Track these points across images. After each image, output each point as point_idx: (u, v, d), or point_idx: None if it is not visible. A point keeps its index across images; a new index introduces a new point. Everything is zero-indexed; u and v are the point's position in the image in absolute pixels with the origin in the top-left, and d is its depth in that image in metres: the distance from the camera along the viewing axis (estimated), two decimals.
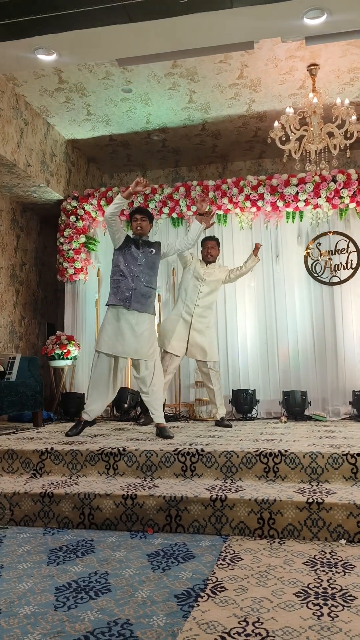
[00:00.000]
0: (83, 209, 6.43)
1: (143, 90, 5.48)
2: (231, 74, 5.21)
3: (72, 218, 6.43)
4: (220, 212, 6.32)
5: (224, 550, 2.42)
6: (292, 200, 6.03)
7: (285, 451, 3.14)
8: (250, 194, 6.09)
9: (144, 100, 5.67)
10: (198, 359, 5.01)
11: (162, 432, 3.98)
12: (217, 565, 2.23)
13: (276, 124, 4.97)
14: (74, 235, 6.43)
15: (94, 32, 3.84)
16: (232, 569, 2.19)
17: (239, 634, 1.66)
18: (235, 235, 6.35)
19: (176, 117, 6.04)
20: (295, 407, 5.58)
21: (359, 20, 3.74)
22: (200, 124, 6.20)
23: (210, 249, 5.11)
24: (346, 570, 2.16)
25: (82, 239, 6.41)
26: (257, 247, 5.15)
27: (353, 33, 4.06)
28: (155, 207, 6.34)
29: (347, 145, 4.96)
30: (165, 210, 6.32)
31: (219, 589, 1.99)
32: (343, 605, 1.85)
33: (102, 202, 6.42)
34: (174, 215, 6.37)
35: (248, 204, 6.15)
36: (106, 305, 4.27)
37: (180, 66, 5.03)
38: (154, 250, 4.30)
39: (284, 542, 2.53)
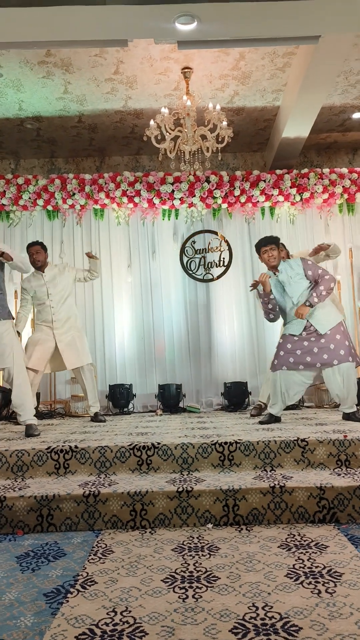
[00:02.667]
0: None
1: (15, 75, 5.25)
2: (107, 69, 5.19)
3: None
4: (97, 207, 6.29)
5: (96, 545, 2.45)
6: (168, 198, 6.18)
7: (158, 443, 3.23)
8: (127, 189, 6.14)
9: (16, 86, 5.45)
10: (75, 367, 4.91)
11: (27, 431, 3.98)
12: (88, 560, 2.25)
13: (152, 122, 5.06)
14: None
15: None
16: (103, 563, 2.23)
17: (107, 624, 1.71)
18: (112, 230, 6.36)
19: (51, 107, 5.88)
20: (170, 399, 5.75)
21: (227, 30, 3.94)
22: (76, 116, 6.10)
23: (35, 254, 4.90)
24: (211, 553, 2.30)
25: None
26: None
27: (222, 42, 4.26)
28: (30, 198, 6.13)
29: (219, 148, 5.19)
30: (40, 202, 6.14)
31: (89, 583, 2.02)
32: (206, 586, 1.97)
33: None
34: (49, 207, 6.21)
35: (125, 199, 6.19)
36: None
37: (54, 55, 4.90)
38: None
39: (155, 531, 2.62)
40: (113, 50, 4.86)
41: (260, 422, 4.21)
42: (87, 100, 5.78)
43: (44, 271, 4.97)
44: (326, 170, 6.29)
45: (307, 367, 4.16)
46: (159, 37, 3.99)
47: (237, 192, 6.20)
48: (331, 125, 6.49)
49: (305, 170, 6.28)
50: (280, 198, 6.26)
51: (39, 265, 4.95)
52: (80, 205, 6.23)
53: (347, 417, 4.20)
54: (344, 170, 6.30)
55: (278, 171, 6.28)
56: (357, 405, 4.29)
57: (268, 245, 4.30)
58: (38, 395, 5.49)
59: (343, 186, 6.24)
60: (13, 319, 4.29)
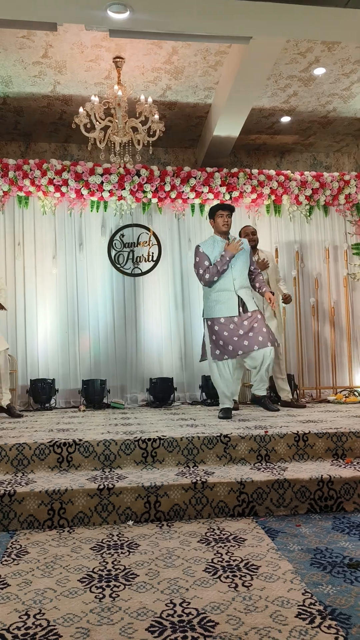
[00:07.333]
0: None
1: None
2: (35, 52, 4.99)
3: None
4: (22, 194, 6.06)
5: (10, 546, 2.34)
6: (97, 190, 6.06)
7: (80, 440, 3.15)
8: (54, 178, 5.96)
9: None
10: None
11: None
12: (0, 563, 2.15)
13: (81, 110, 4.93)
14: None
15: None
16: (17, 564, 2.13)
17: (18, 628, 1.63)
18: (37, 219, 6.15)
19: None
20: (94, 395, 5.66)
21: (160, 22, 3.90)
22: (0, 98, 5.83)
23: None
24: (131, 550, 2.27)
25: None
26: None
27: (154, 34, 4.22)
28: None
29: (150, 142, 5.15)
30: None
31: (0, 586, 1.92)
32: (124, 585, 1.93)
33: None
34: None
35: (51, 188, 6.00)
36: None
37: None
38: None
39: (74, 530, 2.55)
40: (42, 34, 4.67)
41: (220, 417, 4.17)
42: (13, 82, 5.54)
43: None
44: (255, 171, 6.42)
45: (245, 352, 4.15)
46: (90, 23, 3.88)
47: (167, 188, 6.18)
48: (261, 127, 6.63)
49: (235, 170, 6.38)
50: (210, 196, 6.32)
51: None
52: (3, 192, 5.97)
53: (260, 400, 4.29)
54: (272, 172, 6.46)
55: (209, 169, 6.33)
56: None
57: (226, 210, 4.34)
58: None
59: (271, 187, 6.40)
60: None
